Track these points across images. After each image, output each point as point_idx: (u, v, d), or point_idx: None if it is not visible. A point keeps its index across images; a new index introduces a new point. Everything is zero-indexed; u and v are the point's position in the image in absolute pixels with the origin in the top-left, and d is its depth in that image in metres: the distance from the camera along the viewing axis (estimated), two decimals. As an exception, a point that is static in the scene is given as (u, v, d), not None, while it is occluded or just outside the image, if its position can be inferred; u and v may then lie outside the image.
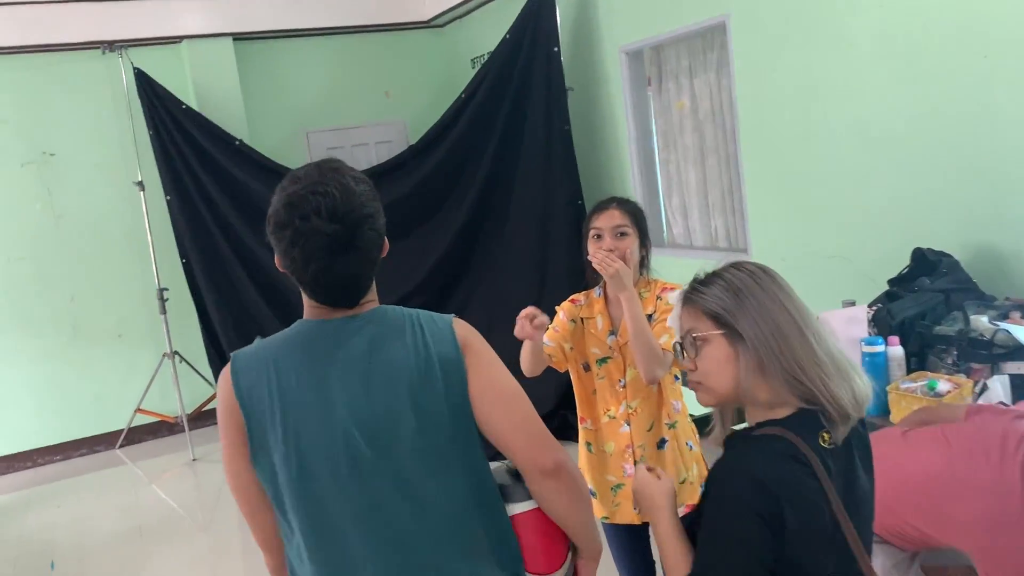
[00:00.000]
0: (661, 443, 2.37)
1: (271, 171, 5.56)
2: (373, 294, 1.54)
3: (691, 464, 2.41)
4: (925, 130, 3.21)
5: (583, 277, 5.19)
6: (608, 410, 2.39)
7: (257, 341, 1.55)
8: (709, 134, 4.50)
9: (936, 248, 3.09)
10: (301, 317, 1.58)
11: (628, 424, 2.36)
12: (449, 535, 1.46)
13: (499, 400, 1.48)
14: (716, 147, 4.47)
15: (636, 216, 2.38)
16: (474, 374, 1.48)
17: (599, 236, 2.35)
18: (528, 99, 5.16)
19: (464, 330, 1.52)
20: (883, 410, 2.61)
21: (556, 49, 4.98)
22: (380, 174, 5.59)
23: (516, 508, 1.54)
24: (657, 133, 4.92)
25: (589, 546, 1.59)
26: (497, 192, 5.43)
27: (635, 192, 4.89)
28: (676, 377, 2.42)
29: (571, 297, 2.52)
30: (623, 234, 2.34)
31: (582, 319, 2.44)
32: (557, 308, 2.50)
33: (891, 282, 3.13)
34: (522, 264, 5.34)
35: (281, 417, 1.44)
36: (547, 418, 5.06)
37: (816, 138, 3.67)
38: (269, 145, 5.96)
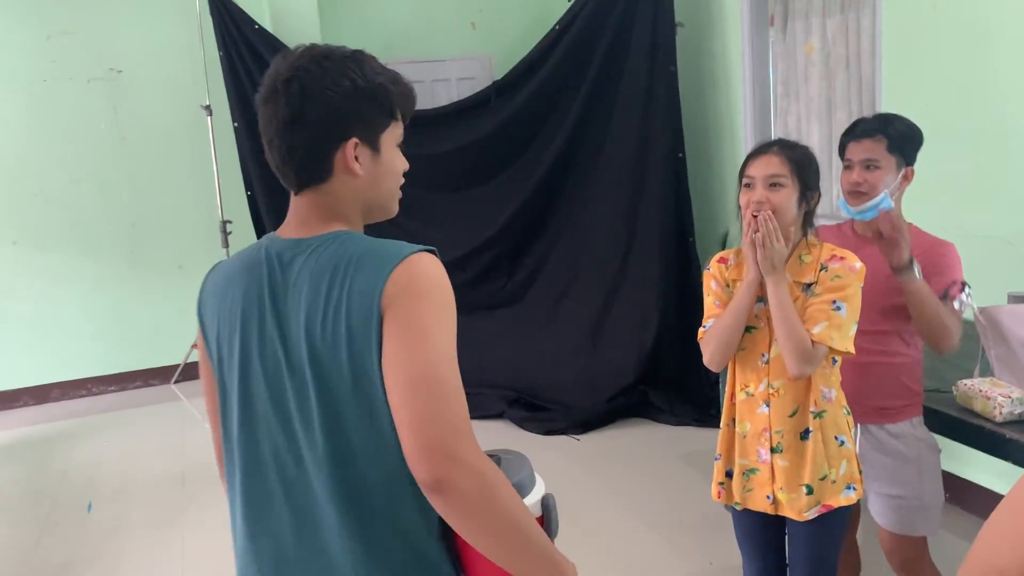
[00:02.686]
0: (805, 433, 1.99)
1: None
2: (340, 218, 1.33)
3: (838, 461, 2.00)
4: None
5: (676, 242, 4.69)
6: (747, 386, 2.05)
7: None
8: (840, 84, 3.89)
9: None
10: None
11: (767, 405, 2.01)
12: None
13: (401, 380, 1.17)
14: (848, 99, 3.86)
15: (799, 165, 1.96)
16: (387, 340, 1.19)
17: (749, 185, 1.98)
18: (631, 34, 4.59)
19: (404, 279, 1.21)
20: (1067, 440, 2.07)
21: (666, -23, 4.41)
22: (459, 111, 5.14)
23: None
24: (777, 81, 4.32)
25: None
26: (588, 139, 4.89)
27: (745, 148, 4.32)
28: (834, 360, 2.01)
29: (719, 255, 2.15)
30: (777, 185, 1.94)
31: (731, 282, 2.08)
32: (706, 274, 2.13)
33: (1074, 274, 2.55)
34: (609, 222, 4.84)
35: (217, 342, 1.36)
36: (624, 392, 4.63)
37: (981, 91, 3.05)
38: (346, 74, 5.54)
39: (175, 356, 5.76)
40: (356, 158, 1.30)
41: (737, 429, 2.09)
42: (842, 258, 1.95)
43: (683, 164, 4.62)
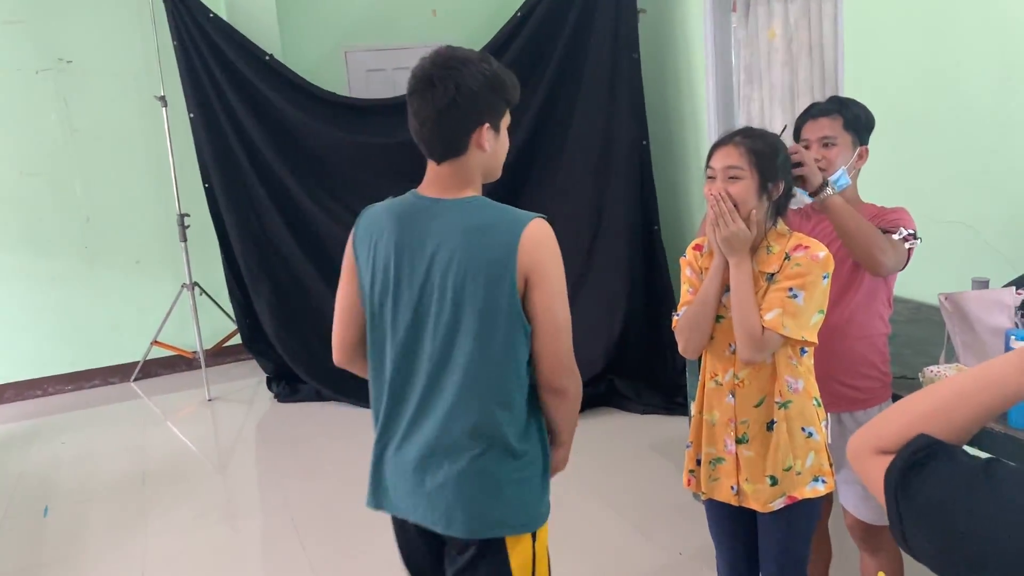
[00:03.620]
0: (770, 424, 1.98)
1: (305, 92, 5.04)
2: (470, 184, 1.73)
3: (805, 453, 1.99)
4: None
5: (642, 231, 4.67)
6: (716, 375, 2.04)
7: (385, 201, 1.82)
8: (803, 70, 3.88)
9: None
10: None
11: (733, 395, 2.00)
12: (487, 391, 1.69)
13: (546, 327, 1.67)
14: (811, 86, 3.85)
15: (759, 155, 1.92)
16: (535, 292, 1.66)
17: (712, 177, 1.96)
18: (593, 21, 4.55)
19: (531, 239, 1.65)
20: (1033, 424, 2.08)
21: (628, -37, 4.38)
22: (421, 100, 5.04)
23: None
24: (740, 67, 4.30)
25: (566, 440, 1.86)
26: (552, 127, 4.84)
27: (709, 136, 4.31)
28: (803, 351, 1.98)
29: (694, 242, 2.12)
30: (735, 178, 1.92)
31: (704, 269, 2.06)
32: (682, 261, 2.12)
33: (1038, 259, 2.57)
34: (573, 211, 4.80)
35: (369, 269, 1.78)
36: (591, 382, 4.59)
37: (943, 78, 3.06)
38: (304, 63, 5.43)
39: (135, 353, 5.64)
40: (487, 138, 1.70)
41: (705, 417, 2.07)
42: (806, 247, 1.92)
43: (647, 152, 4.60)
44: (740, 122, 4.37)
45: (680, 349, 2.06)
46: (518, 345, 1.67)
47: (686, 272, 2.09)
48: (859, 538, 2.39)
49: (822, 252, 1.92)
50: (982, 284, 2.55)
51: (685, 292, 2.07)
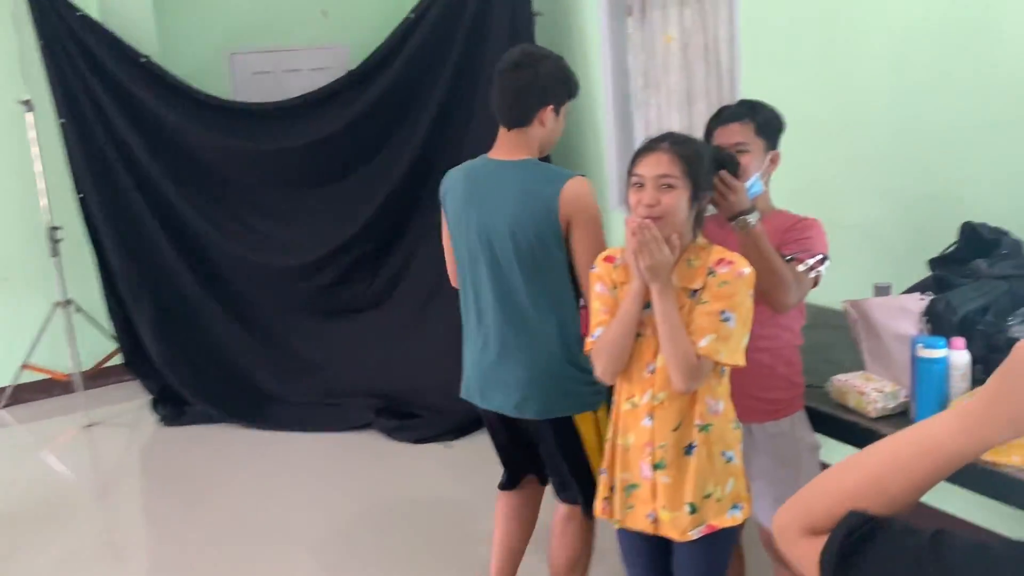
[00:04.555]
0: (688, 448, 1.88)
1: (187, 97, 4.75)
2: (528, 150, 2.24)
3: (725, 478, 1.91)
4: (985, 76, 2.62)
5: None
6: (632, 396, 1.93)
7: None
8: (699, 74, 3.87)
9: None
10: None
11: (651, 418, 1.89)
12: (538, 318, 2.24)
13: (581, 262, 2.17)
14: (707, 90, 3.84)
15: (691, 162, 1.83)
16: (573, 231, 2.17)
17: (640, 185, 1.84)
18: (489, 23, 4.45)
19: (570, 192, 2.15)
20: (940, 431, 2.06)
21: (523, -35, 4.30)
22: (311, 104, 4.83)
23: None
24: (637, 72, 4.27)
25: None
26: (450, 131, 4.70)
27: (607, 140, 4.25)
28: (722, 370, 1.90)
29: (605, 254, 2.00)
30: (668, 186, 1.81)
31: (618, 284, 1.95)
32: (591, 275, 2.00)
33: (934, 263, 2.57)
34: (475, 216, 4.69)
35: (453, 218, 2.36)
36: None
37: (841, 82, 3.07)
38: (185, 66, 5.12)
39: (2, 378, 5.20)
40: (549, 117, 2.22)
41: (619, 441, 1.97)
42: (730, 262, 1.84)
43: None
44: (638, 127, 4.33)
45: (597, 373, 1.95)
46: (563, 278, 2.22)
47: (596, 288, 1.97)
48: (773, 552, 2.34)
49: (746, 268, 1.84)
50: (884, 290, 2.55)
51: (598, 311, 1.96)
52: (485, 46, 4.49)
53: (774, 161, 2.22)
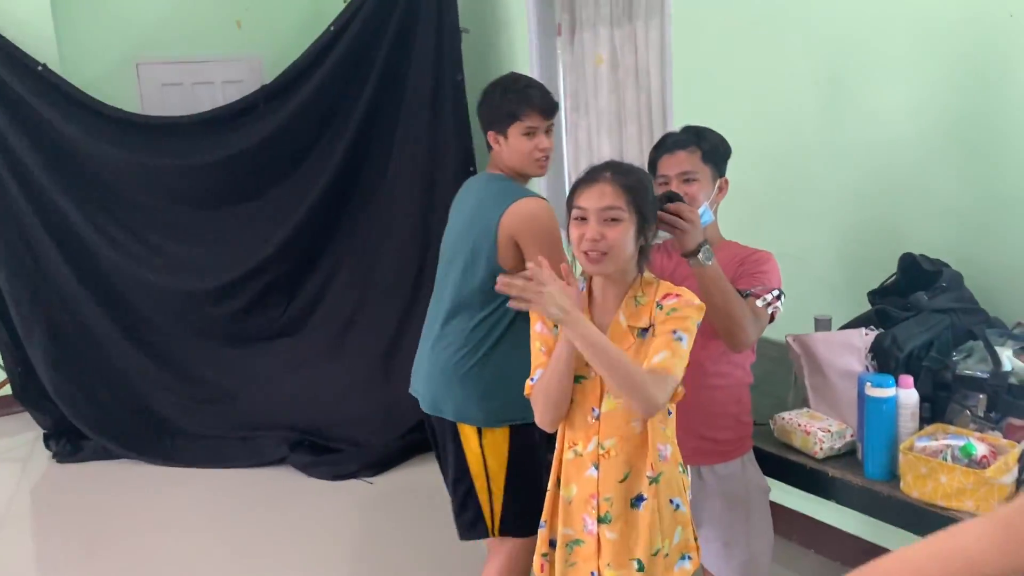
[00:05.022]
0: (637, 500, 1.73)
1: (89, 109, 4.43)
2: (497, 167, 2.39)
3: (673, 529, 1.76)
4: (923, 96, 2.59)
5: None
6: (575, 444, 1.77)
7: None
8: (630, 97, 3.78)
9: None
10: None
11: (596, 468, 1.74)
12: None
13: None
14: (638, 113, 3.75)
15: (636, 193, 1.70)
16: (527, 256, 2.24)
17: (583, 219, 1.70)
18: (413, 39, 4.28)
19: (513, 214, 2.26)
20: (890, 475, 1.97)
21: (450, -21, 4.17)
22: (223, 118, 4.57)
23: None
24: (566, 93, 4.16)
25: None
26: (372, 150, 4.50)
27: (536, 161, 4.13)
28: (668, 412, 1.76)
29: None
30: (613, 220, 1.68)
31: (556, 324, 1.77)
32: (532, 314, 1.82)
33: (873, 295, 2.51)
34: (399, 241, 4.49)
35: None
36: (420, 427, 4.20)
37: (775, 106, 3.01)
38: (88, 76, 4.80)
39: None
40: (495, 140, 2.34)
41: (562, 493, 1.81)
42: (678, 295, 1.72)
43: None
44: (567, 151, 4.22)
45: (536, 420, 1.78)
46: (484, 294, 2.27)
47: (536, 328, 1.81)
48: None
49: (696, 300, 1.73)
50: (824, 323, 2.47)
51: (537, 351, 1.80)
52: (409, 62, 4.32)
53: (722, 189, 2.13)
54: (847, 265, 2.85)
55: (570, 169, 4.24)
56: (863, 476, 2.01)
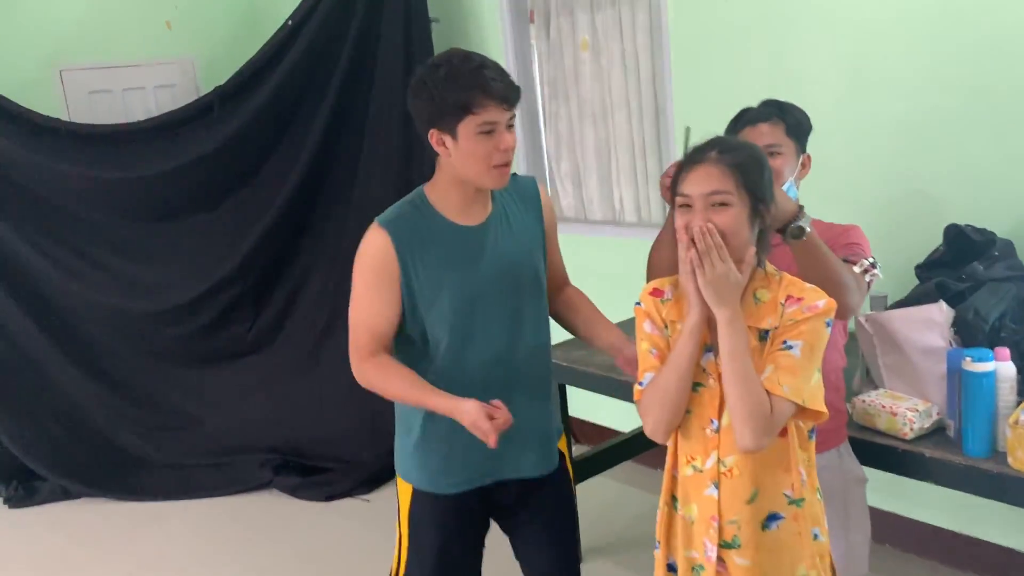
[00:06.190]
0: (770, 519, 1.56)
1: (10, 117, 4.03)
2: (443, 168, 1.81)
3: (812, 557, 1.60)
4: (945, 76, 2.56)
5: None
6: (693, 459, 1.60)
7: None
8: (617, 83, 3.67)
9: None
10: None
11: (716, 487, 1.56)
12: None
13: None
14: (627, 99, 3.65)
15: (745, 171, 1.52)
16: None
17: (688, 206, 1.52)
18: (379, 30, 4.05)
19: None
20: (992, 451, 1.92)
21: (417, -33, 3.97)
22: (171, 125, 4.24)
23: None
24: (544, 82, 4.03)
25: None
26: (341, 150, 4.25)
27: (517, 156, 3.97)
28: (810, 433, 1.60)
29: (652, 287, 1.65)
30: (721, 204, 1.50)
31: (670, 323, 1.62)
32: (636, 311, 1.65)
33: (921, 269, 2.47)
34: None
35: None
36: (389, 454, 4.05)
37: (788, 80, 2.94)
38: (8, 83, 4.39)
39: None
40: (440, 143, 1.75)
41: (681, 512, 1.64)
42: (799, 299, 1.52)
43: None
44: (548, 140, 4.09)
45: (647, 431, 1.60)
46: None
47: (644, 327, 1.63)
48: None
49: (821, 301, 1.52)
50: (880, 299, 2.41)
51: (646, 353, 1.62)
52: (376, 56, 4.09)
53: (805, 165, 2.02)
54: (887, 241, 2.81)
55: (551, 162, 4.10)
56: (962, 454, 1.95)
